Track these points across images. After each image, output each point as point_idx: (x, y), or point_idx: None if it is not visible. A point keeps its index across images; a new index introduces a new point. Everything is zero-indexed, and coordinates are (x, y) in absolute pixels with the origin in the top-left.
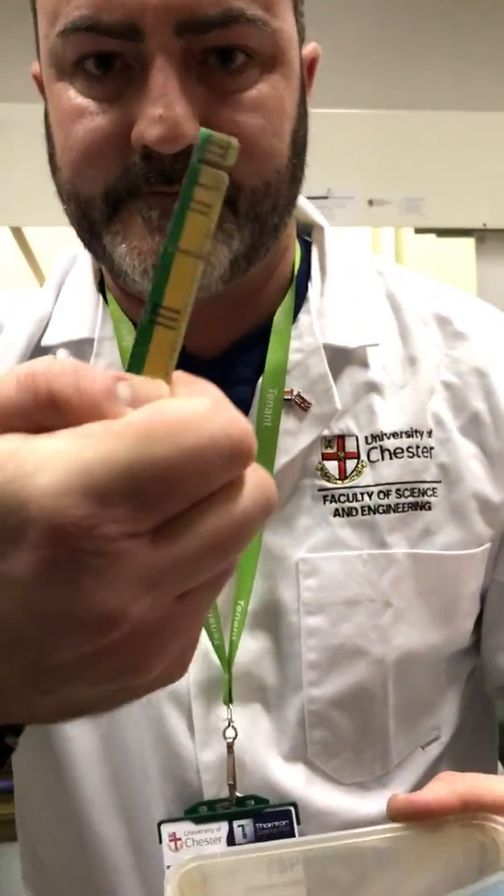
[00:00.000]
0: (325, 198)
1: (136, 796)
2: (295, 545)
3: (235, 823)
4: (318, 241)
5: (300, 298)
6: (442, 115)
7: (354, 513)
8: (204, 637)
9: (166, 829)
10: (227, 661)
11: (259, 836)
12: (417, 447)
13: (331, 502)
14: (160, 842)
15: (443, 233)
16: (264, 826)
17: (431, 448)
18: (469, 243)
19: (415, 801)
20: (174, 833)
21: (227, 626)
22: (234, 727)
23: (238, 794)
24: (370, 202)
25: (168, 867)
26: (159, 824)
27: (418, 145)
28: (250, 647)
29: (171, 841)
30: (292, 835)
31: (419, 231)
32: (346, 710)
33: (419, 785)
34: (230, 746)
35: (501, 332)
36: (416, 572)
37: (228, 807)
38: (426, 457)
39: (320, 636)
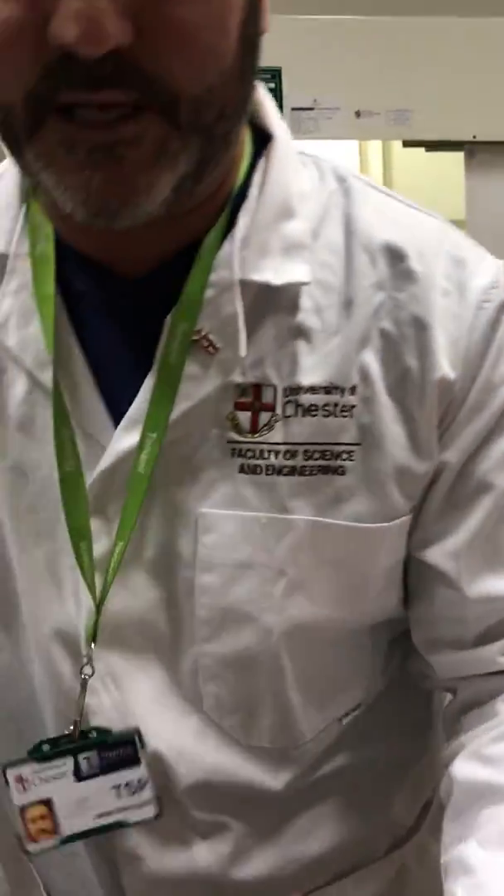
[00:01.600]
0: (311, 109)
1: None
2: (198, 498)
3: (80, 756)
4: (268, 153)
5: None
6: (432, 22)
7: (259, 471)
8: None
9: (11, 773)
10: (98, 602)
11: (105, 766)
12: (336, 405)
13: (238, 457)
14: (7, 784)
15: (432, 146)
16: (109, 755)
17: (353, 407)
18: (458, 157)
19: None
20: (19, 775)
21: (103, 567)
22: (92, 666)
23: (85, 728)
24: (357, 114)
25: (20, 807)
26: (3, 768)
27: (407, 54)
28: (147, 596)
29: (17, 783)
30: (137, 761)
31: (408, 144)
32: (238, 673)
33: (333, 749)
34: (84, 684)
35: (461, 280)
36: (318, 542)
37: (72, 741)
38: (345, 416)
39: (211, 595)
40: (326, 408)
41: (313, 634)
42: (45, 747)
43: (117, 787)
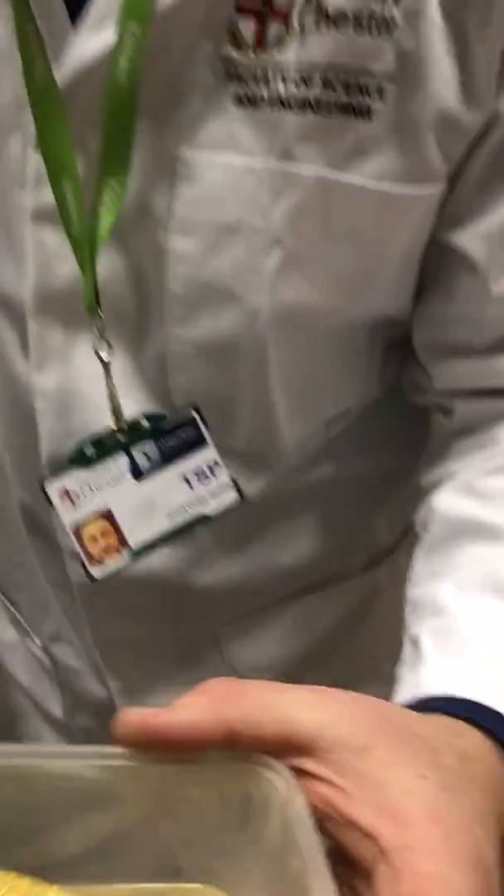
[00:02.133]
0: None
1: None
2: (178, 135)
3: (135, 451)
4: None
5: None
6: None
7: (260, 103)
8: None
9: (54, 488)
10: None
11: (167, 456)
12: (371, 17)
13: (235, 82)
14: (51, 504)
15: None
16: (168, 443)
17: (393, 22)
18: None
19: (150, 724)
20: (64, 489)
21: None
22: (107, 340)
23: (130, 418)
24: None
25: (74, 527)
26: (41, 484)
27: None
28: (107, 265)
29: (63, 499)
30: (203, 441)
31: None
32: (214, 363)
33: (317, 459)
34: (107, 366)
35: None
36: (327, 205)
37: (119, 437)
38: (382, 34)
39: (188, 265)
40: (359, 19)
41: (305, 326)
42: (89, 450)
43: (186, 476)
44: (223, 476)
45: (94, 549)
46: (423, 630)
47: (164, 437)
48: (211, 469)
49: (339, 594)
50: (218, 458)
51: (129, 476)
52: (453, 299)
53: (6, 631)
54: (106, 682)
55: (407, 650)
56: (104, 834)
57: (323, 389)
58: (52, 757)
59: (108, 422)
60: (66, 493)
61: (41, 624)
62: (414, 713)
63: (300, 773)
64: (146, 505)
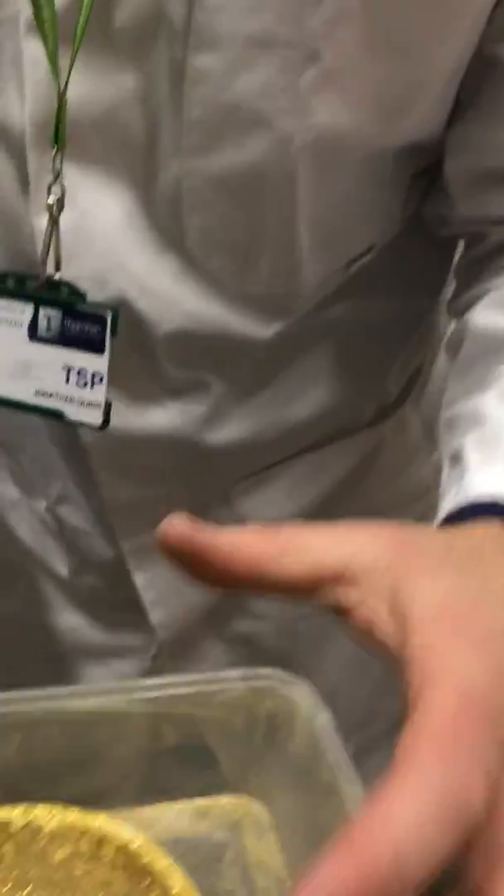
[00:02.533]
0: None
1: None
2: None
3: (42, 311)
4: None
5: None
6: None
7: None
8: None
9: None
10: (58, 87)
11: (64, 337)
12: None
13: None
14: None
15: None
16: (72, 326)
17: None
18: None
19: (198, 535)
20: None
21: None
22: (62, 184)
23: (59, 277)
24: None
25: None
26: None
27: None
28: (117, 84)
29: None
30: (102, 349)
31: None
32: (235, 198)
33: (335, 299)
34: (52, 208)
35: None
36: (372, 9)
37: (39, 289)
38: None
39: (210, 85)
40: None
41: (337, 154)
42: (10, 282)
43: (69, 369)
44: (100, 394)
45: None
46: (465, 442)
47: (72, 319)
48: (93, 380)
49: (347, 448)
50: (105, 376)
51: (25, 329)
52: (493, 120)
53: (7, 489)
54: (115, 543)
55: (447, 468)
56: (143, 760)
57: (348, 224)
58: (90, 695)
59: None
60: None
61: (46, 486)
62: (447, 531)
63: (338, 609)
64: (22, 367)
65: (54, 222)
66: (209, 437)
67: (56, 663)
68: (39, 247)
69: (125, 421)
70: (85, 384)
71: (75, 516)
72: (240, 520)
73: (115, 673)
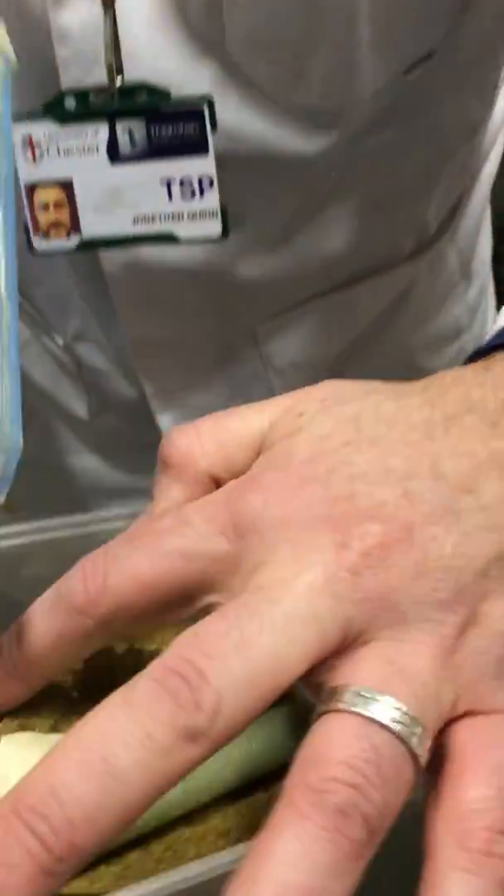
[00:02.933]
0: None
1: None
2: None
3: (120, 125)
4: None
5: None
6: None
7: None
8: None
9: (19, 130)
10: None
11: (155, 147)
12: None
13: None
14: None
15: None
16: (162, 131)
17: None
18: None
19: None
20: (29, 136)
21: None
22: None
23: (126, 81)
24: None
25: (28, 185)
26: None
27: None
28: None
29: (26, 148)
30: (205, 145)
31: None
32: None
33: (387, 115)
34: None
35: None
36: None
37: (110, 100)
38: None
39: None
40: None
41: None
42: (70, 102)
43: (168, 182)
44: (213, 199)
45: (43, 218)
46: None
47: (159, 123)
48: (201, 185)
49: (381, 285)
50: (214, 178)
51: (104, 153)
52: None
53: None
54: (137, 384)
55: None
56: None
57: (409, 23)
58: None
59: (100, 76)
60: (30, 144)
61: (63, 323)
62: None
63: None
64: (112, 195)
65: (109, 7)
66: (240, 270)
67: (75, 505)
68: (63, 51)
69: (150, 251)
70: (193, 194)
71: (94, 355)
72: (268, 363)
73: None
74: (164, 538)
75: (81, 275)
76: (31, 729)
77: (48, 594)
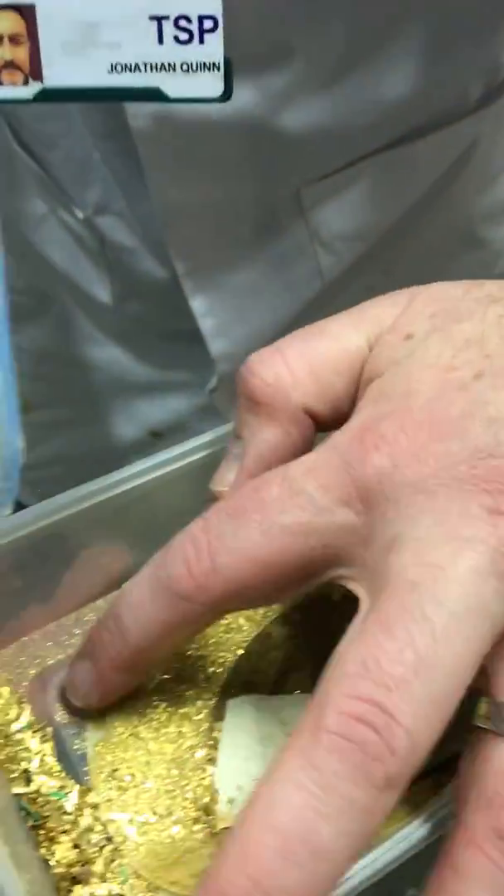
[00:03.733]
0: None
1: None
2: None
3: None
4: None
5: None
6: None
7: None
8: None
9: None
10: None
11: None
12: None
13: None
14: None
15: None
16: None
17: None
18: None
19: None
20: None
21: None
22: None
23: None
24: None
25: None
26: None
27: None
28: None
29: None
30: None
31: None
32: None
33: None
34: None
35: None
36: None
37: None
38: None
39: None
40: None
41: None
42: None
43: (159, 21)
44: (215, 48)
45: None
46: None
47: None
48: (201, 27)
49: (442, 142)
50: (220, 18)
51: None
52: None
53: (32, 204)
54: (167, 262)
55: None
56: None
57: None
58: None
59: None
60: None
61: (83, 192)
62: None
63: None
64: (86, 31)
65: None
66: (286, 119)
67: (97, 400)
68: None
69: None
70: (189, 38)
71: (118, 230)
72: (315, 234)
73: (166, 410)
74: (277, 512)
75: (101, 132)
76: (255, 688)
77: (145, 578)
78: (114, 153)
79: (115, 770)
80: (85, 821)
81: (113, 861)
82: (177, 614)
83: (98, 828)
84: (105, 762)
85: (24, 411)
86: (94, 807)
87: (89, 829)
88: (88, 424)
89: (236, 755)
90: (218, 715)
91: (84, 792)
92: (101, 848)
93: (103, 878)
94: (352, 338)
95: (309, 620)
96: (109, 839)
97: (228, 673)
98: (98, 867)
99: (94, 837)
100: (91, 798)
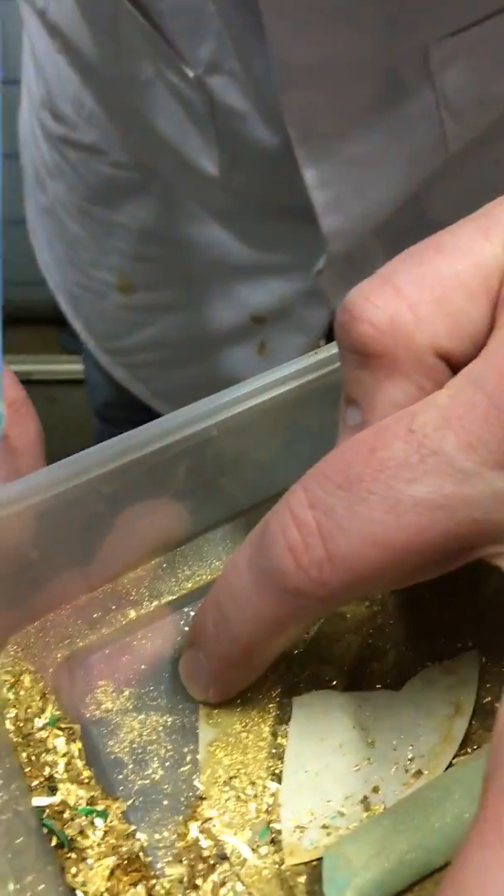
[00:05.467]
0: None
1: None
2: None
3: None
4: None
5: None
6: None
7: None
8: None
9: None
10: None
11: None
12: None
13: None
14: None
15: None
16: None
17: None
18: None
19: None
20: None
21: None
22: None
23: None
24: None
25: None
26: None
27: None
28: None
29: None
30: None
31: None
32: None
33: None
34: None
35: None
36: None
37: None
38: None
39: None
40: None
41: None
42: None
43: None
44: None
45: None
46: None
47: None
48: None
49: None
50: None
51: None
52: None
53: (138, 65)
54: (282, 128)
55: None
56: None
57: None
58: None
59: None
60: None
61: (195, 47)
62: None
63: None
64: None
65: None
66: None
67: (198, 283)
68: None
69: None
70: None
71: (230, 91)
72: (443, 97)
73: (269, 294)
74: (405, 481)
75: None
76: (326, 682)
77: (245, 564)
78: (230, 3)
79: (233, 777)
80: (191, 834)
81: (224, 885)
82: (288, 611)
83: (207, 843)
84: (221, 766)
85: (124, 292)
86: (205, 820)
87: (195, 844)
88: (189, 308)
89: (304, 768)
90: (282, 717)
91: (119, 806)
92: (213, 866)
93: None
94: (483, 248)
95: (393, 597)
96: (224, 858)
97: (294, 663)
98: (204, 892)
99: (204, 854)
100: (203, 810)
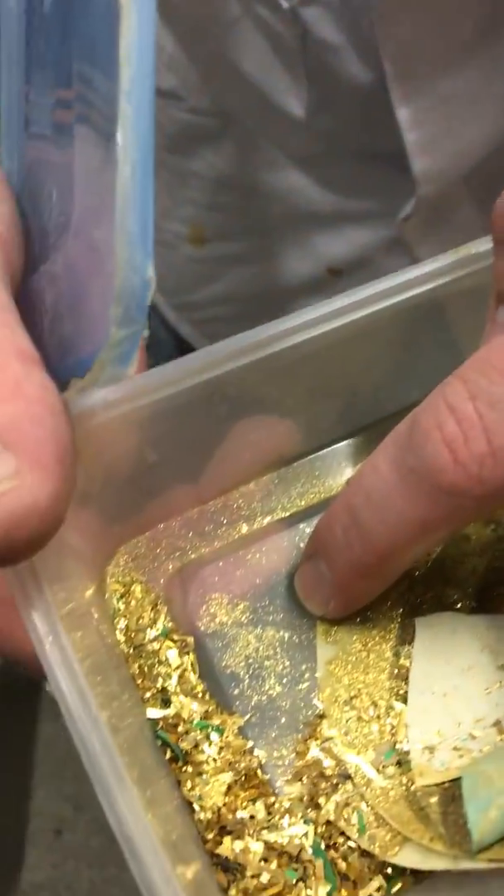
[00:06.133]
0: None
1: None
2: None
3: None
4: None
5: None
6: None
7: None
8: None
9: None
10: None
11: None
12: None
13: None
14: None
15: None
16: None
17: None
18: None
19: None
20: None
21: None
22: None
23: None
24: None
25: None
26: None
27: None
28: None
29: None
30: None
31: None
32: None
33: None
34: None
35: None
36: None
37: None
38: None
39: None
40: None
41: None
42: None
43: None
44: None
45: None
46: None
47: None
48: None
49: None
50: None
51: None
52: None
53: (226, 3)
54: (377, 63)
55: None
56: None
57: None
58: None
59: None
60: None
61: None
62: None
63: None
64: None
65: None
66: None
67: (273, 233)
68: None
69: None
70: None
71: (324, 22)
72: None
73: (348, 244)
74: None
75: None
76: (449, 597)
77: (389, 464)
78: None
79: (354, 697)
80: (311, 753)
81: (347, 805)
82: (439, 513)
83: (329, 762)
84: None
85: (196, 244)
86: (326, 739)
87: (316, 763)
88: (262, 260)
89: (431, 689)
90: (404, 637)
91: (235, 721)
92: (336, 785)
93: (334, 826)
94: None
95: None
96: (347, 777)
97: (416, 584)
98: (326, 812)
99: (326, 773)
100: (322, 729)
